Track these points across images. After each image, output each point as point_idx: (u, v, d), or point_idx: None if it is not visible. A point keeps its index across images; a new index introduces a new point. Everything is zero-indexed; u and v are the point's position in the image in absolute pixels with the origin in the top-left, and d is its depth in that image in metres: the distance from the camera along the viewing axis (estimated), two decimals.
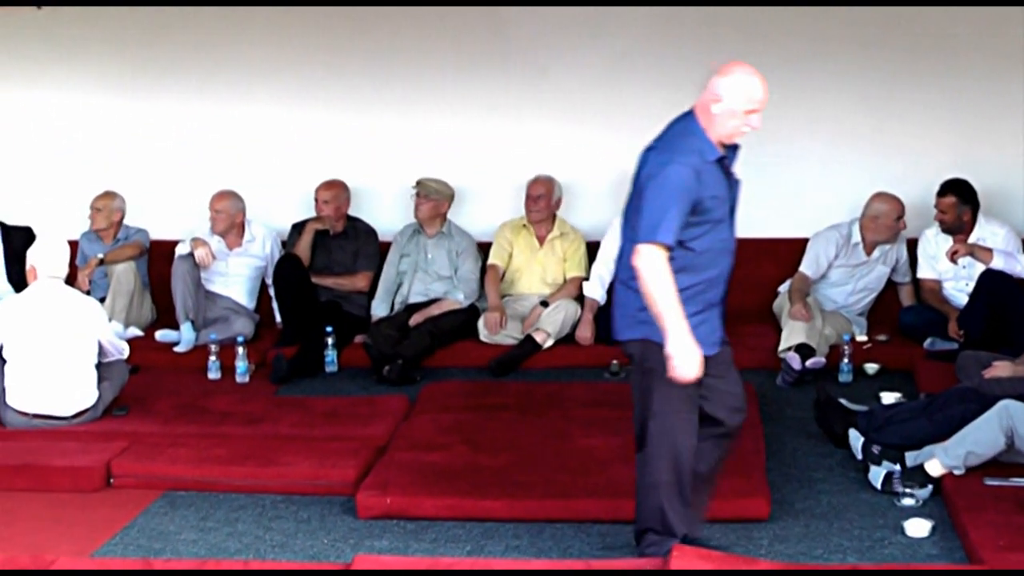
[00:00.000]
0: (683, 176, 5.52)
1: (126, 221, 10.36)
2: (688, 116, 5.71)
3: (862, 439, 7.23)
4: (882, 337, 9.39)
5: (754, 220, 9.96)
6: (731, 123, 5.63)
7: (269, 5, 10.22)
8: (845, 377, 8.84)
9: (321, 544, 6.51)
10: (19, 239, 9.88)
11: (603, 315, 9.61)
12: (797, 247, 9.66)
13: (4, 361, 8.09)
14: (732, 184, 5.74)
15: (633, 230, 5.63)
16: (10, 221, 10.33)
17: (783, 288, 9.65)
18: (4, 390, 8.06)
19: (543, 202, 9.92)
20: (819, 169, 10.13)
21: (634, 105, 10.08)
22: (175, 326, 9.75)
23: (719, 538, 6.28)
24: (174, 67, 10.54)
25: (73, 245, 9.71)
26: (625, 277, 5.74)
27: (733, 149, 5.75)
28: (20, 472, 7.41)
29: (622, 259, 5.78)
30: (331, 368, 9.42)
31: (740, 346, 9.17)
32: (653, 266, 5.51)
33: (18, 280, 9.42)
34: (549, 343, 9.47)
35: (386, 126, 10.43)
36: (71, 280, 8.71)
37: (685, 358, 5.48)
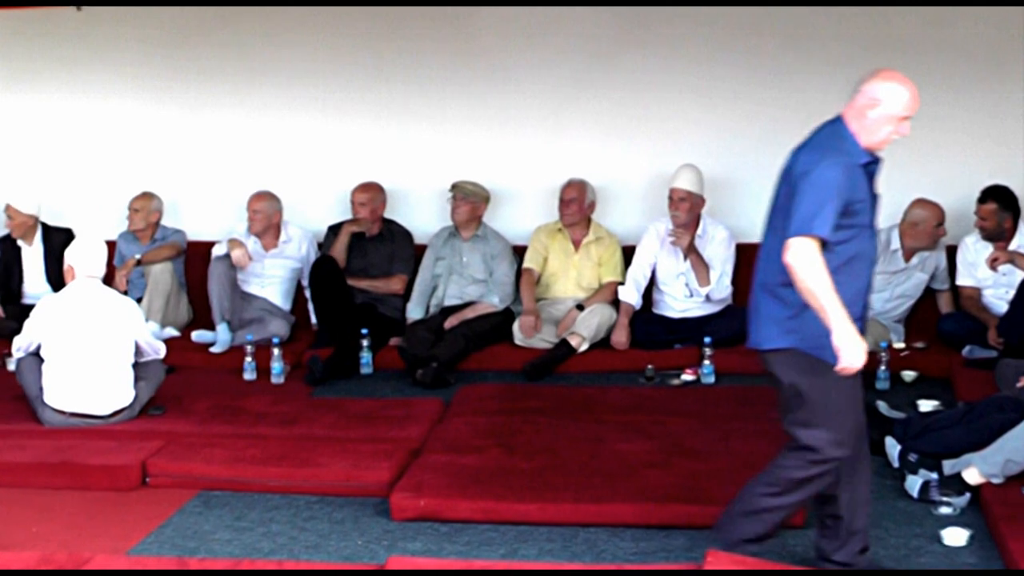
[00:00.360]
0: (837, 174, 5.45)
1: (163, 222, 10.40)
2: (837, 121, 5.65)
3: (899, 447, 7.19)
4: (920, 344, 9.34)
5: None
6: (885, 129, 5.57)
7: (305, 5, 10.23)
8: (882, 384, 8.79)
9: (355, 545, 6.50)
10: (59, 240, 9.92)
11: (638, 320, 9.62)
12: None
13: (42, 360, 8.12)
14: (874, 196, 5.67)
15: (778, 230, 5.52)
16: (51, 222, 10.38)
17: None
18: (42, 389, 8.09)
19: (575, 206, 9.91)
20: None
21: (668, 110, 10.08)
22: (211, 327, 9.78)
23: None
24: (212, 68, 10.56)
25: (111, 245, 9.74)
26: (772, 283, 5.60)
27: (876, 161, 5.68)
28: (57, 470, 7.43)
29: (767, 265, 5.65)
30: (366, 370, 9.43)
31: None
32: (809, 258, 5.38)
33: (57, 280, 9.46)
34: (584, 347, 9.45)
35: (422, 129, 10.43)
36: (109, 280, 8.73)
37: (851, 348, 5.35)
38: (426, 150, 10.44)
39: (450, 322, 9.63)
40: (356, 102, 10.46)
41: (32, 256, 10.33)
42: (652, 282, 9.80)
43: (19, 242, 10.34)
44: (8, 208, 10.26)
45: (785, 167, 5.68)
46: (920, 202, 9.42)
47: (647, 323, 9.64)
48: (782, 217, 5.53)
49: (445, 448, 7.55)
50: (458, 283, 9.93)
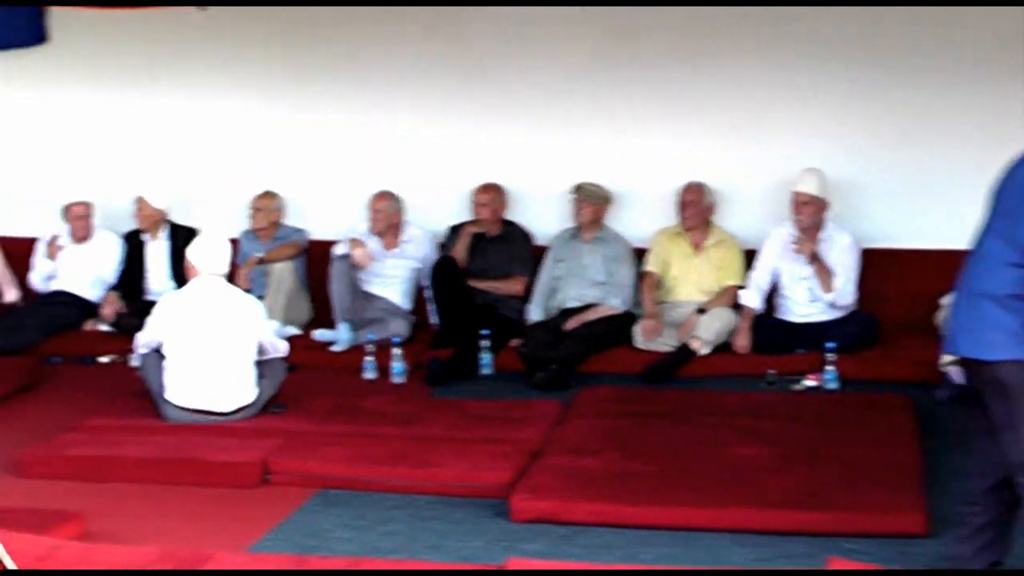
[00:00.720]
0: None
1: (285, 221, 10.48)
2: None
3: None
4: None
5: (918, 230, 9.88)
6: None
7: (425, 6, 10.24)
8: None
9: (473, 546, 6.50)
10: (184, 237, 10.03)
11: (760, 324, 9.53)
12: (960, 258, 9.44)
13: (163, 356, 8.21)
14: None
15: (1001, 236, 5.42)
16: (179, 220, 10.50)
17: (945, 300, 9.44)
18: (163, 385, 8.17)
19: (693, 208, 9.85)
20: (980, 178, 9.89)
21: (792, 113, 9.99)
22: (332, 325, 9.84)
23: (874, 552, 6.17)
24: (335, 67, 10.61)
25: (234, 243, 9.82)
26: (1001, 293, 5.44)
27: None
28: (178, 466, 7.51)
29: (990, 274, 5.53)
30: (486, 371, 9.43)
31: (902, 359, 9.11)
32: None
33: (181, 277, 9.55)
34: (705, 351, 9.38)
35: (544, 130, 10.40)
36: (231, 278, 8.83)
37: None
38: (547, 151, 10.41)
39: (570, 324, 9.61)
40: (478, 102, 10.45)
41: (156, 252, 10.46)
42: (774, 286, 9.71)
43: (144, 238, 10.47)
44: (139, 200, 10.41)
45: (1004, 177, 5.51)
46: None
47: (769, 327, 9.55)
48: (1008, 223, 5.39)
49: (564, 450, 7.52)
50: (578, 285, 9.90)
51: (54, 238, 10.54)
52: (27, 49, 10.12)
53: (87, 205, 10.55)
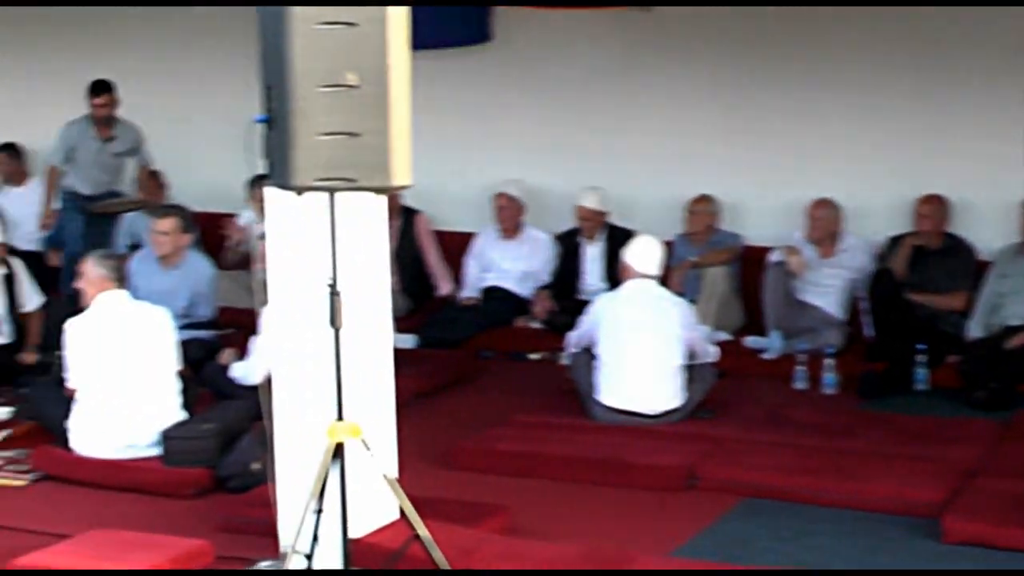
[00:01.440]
0: None
1: (720, 225, 10.43)
2: None
3: None
4: None
5: None
6: None
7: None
8: None
9: (901, 565, 6.30)
10: (621, 239, 10.05)
11: None
12: None
13: (593, 356, 8.29)
14: None
15: None
16: (617, 223, 10.59)
17: None
18: (593, 385, 8.25)
19: None
20: None
21: None
22: (763, 332, 9.75)
23: None
24: (777, 70, 10.49)
25: (669, 247, 9.82)
26: None
27: None
28: (604, 466, 7.58)
29: None
30: (920, 386, 9.15)
31: None
32: None
33: (615, 278, 9.60)
34: None
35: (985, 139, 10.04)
36: (664, 281, 8.86)
37: None
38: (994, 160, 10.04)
39: (1014, 342, 9.20)
40: (932, 106, 10.16)
41: (592, 253, 10.57)
42: None
43: (580, 239, 10.59)
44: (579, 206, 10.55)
45: None
46: None
47: None
48: None
49: (1003, 472, 7.22)
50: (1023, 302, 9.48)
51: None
52: (470, 47, 10.46)
53: (512, 198, 10.72)
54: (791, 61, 10.47)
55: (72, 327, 7.85)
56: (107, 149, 11.16)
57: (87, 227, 11.12)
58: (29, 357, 9.31)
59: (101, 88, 10.98)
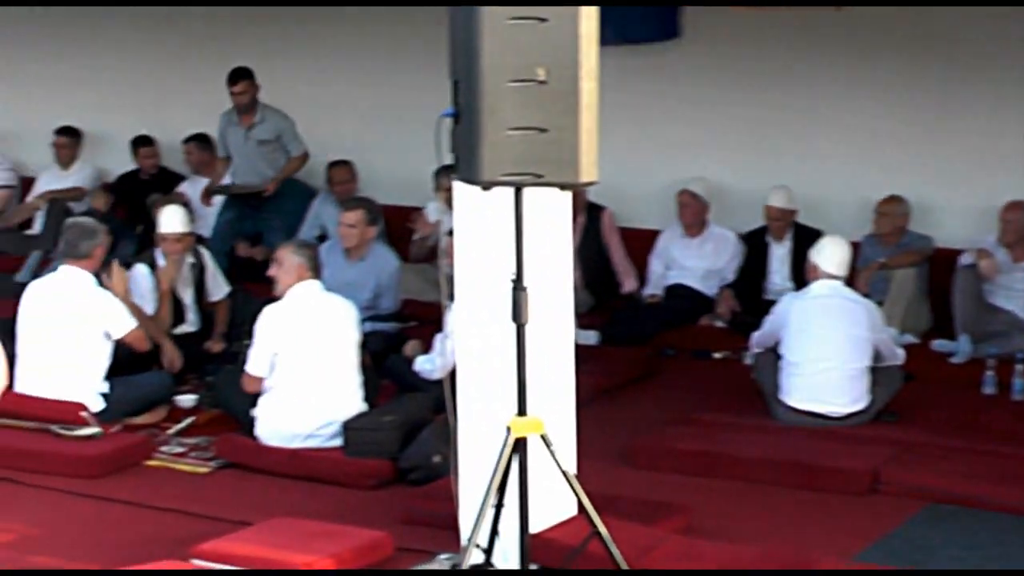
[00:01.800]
0: None
1: (910, 227, 10.27)
2: None
3: None
4: None
5: None
6: None
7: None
8: None
9: None
10: (808, 239, 9.95)
11: None
12: None
13: (779, 356, 8.23)
14: None
15: None
16: (806, 222, 10.49)
17: None
18: (777, 385, 8.20)
19: None
20: None
21: None
22: (952, 336, 9.58)
23: None
24: (968, 67, 10.29)
25: (856, 247, 9.70)
26: None
27: None
28: (786, 468, 7.52)
29: None
30: None
31: None
32: None
33: (802, 279, 9.49)
34: None
35: None
36: (852, 282, 8.79)
37: None
38: None
39: None
40: None
41: (780, 253, 10.47)
42: None
43: (768, 239, 10.50)
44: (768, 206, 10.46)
45: None
46: None
47: None
48: None
49: None
50: None
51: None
52: (659, 44, 10.44)
53: (695, 195, 10.65)
54: (984, 59, 10.27)
55: (268, 315, 7.97)
56: (251, 136, 11.35)
57: (236, 219, 11.44)
58: (216, 346, 9.49)
59: (238, 76, 11.15)
